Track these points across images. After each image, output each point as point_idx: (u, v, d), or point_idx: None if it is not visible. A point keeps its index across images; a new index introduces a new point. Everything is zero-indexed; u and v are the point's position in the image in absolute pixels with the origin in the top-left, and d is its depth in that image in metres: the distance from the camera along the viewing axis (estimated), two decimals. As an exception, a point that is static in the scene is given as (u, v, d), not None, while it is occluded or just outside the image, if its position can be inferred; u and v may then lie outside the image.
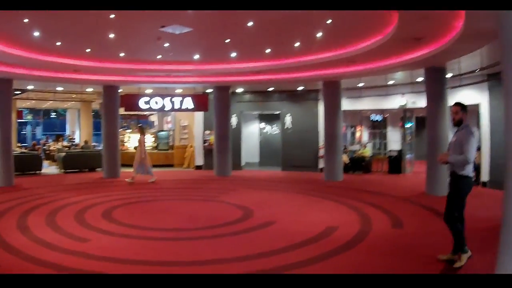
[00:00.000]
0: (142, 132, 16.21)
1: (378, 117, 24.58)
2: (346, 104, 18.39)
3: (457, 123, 6.27)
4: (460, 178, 6.01)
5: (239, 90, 20.10)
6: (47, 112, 41.87)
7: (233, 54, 13.10)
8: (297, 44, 11.72)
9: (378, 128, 24.77)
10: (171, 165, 21.62)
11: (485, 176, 14.43)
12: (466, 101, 15.60)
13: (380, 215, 9.96)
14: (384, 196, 12.68)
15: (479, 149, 15.00)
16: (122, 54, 12.99)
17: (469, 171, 6.05)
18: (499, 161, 11.69)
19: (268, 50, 12.60)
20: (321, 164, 18.42)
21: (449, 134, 12.21)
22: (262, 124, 22.71)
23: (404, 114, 19.25)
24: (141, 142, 15.65)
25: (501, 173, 5.07)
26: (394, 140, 21.97)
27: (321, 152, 18.53)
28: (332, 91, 16.57)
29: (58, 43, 11.25)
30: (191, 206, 11.23)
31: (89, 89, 20.71)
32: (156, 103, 17.77)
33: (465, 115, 6.27)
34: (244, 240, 7.86)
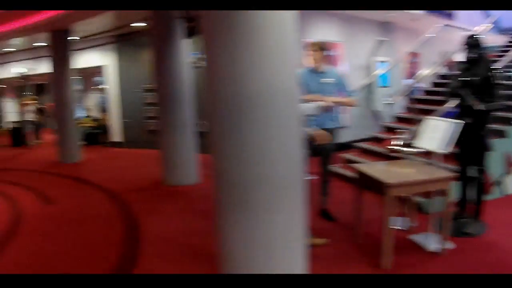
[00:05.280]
0: None
1: None
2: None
3: None
4: None
5: None
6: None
7: None
8: None
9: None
10: None
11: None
12: (93, 63, 15.72)
13: (22, 193, 9.30)
14: (18, 171, 12.25)
15: (105, 110, 16.52)
16: None
17: None
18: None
19: None
20: None
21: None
22: None
23: (23, 82, 19.28)
24: None
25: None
26: (12, 111, 20.44)
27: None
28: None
29: None
30: None
31: None
32: None
33: None
34: None
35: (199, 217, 6.81)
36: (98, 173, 10.96)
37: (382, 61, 11.85)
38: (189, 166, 8.96)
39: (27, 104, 16.80)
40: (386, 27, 12.89)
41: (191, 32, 8.68)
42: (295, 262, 4.00)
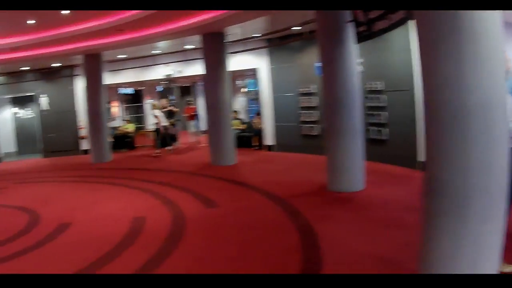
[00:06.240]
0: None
1: (129, 90, 24.18)
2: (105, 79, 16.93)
3: None
4: None
5: (-10, 72, 18.64)
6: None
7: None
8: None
9: (132, 102, 24.75)
10: None
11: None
12: (246, 66, 16.12)
13: (181, 195, 9.62)
14: (171, 173, 12.67)
15: (259, 113, 16.40)
16: None
17: None
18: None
19: (31, 21, 10.98)
20: (84, 146, 18.89)
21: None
22: (16, 108, 21.08)
23: (168, 84, 20.68)
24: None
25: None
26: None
27: (82, 132, 18.86)
28: (94, 65, 16.05)
29: None
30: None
31: None
32: None
33: None
34: (50, 256, 6.43)
35: (375, 226, 6.69)
36: (255, 176, 11.15)
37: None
38: (356, 172, 8.88)
39: (156, 107, 17.12)
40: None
41: (360, 37, 8.50)
42: (492, 270, 4.01)
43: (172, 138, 17.96)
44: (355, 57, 8.84)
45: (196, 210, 8.32)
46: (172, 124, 17.91)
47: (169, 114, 17.69)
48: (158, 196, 9.52)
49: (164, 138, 16.96)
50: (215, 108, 13.19)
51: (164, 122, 16.78)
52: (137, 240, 6.76)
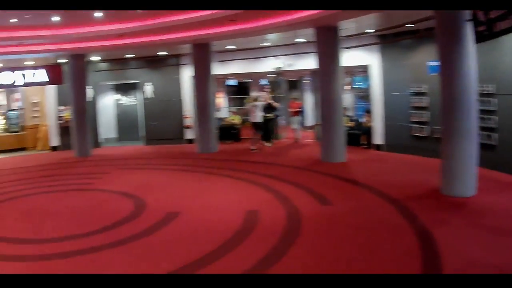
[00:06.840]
0: None
1: (233, 82, 24.20)
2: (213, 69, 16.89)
3: None
4: None
5: (95, 58, 18.99)
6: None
7: (98, 14, 11.54)
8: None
9: (236, 94, 24.96)
10: (23, 149, 19.54)
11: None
12: (357, 62, 15.94)
13: (293, 190, 9.69)
14: (280, 167, 12.74)
15: (369, 111, 16.04)
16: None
17: None
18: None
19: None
20: (188, 135, 19.35)
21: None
22: (118, 95, 21.85)
23: (275, 77, 20.16)
24: None
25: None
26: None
27: (187, 122, 19.23)
28: (203, 54, 16.23)
29: None
30: (65, 201, 9.56)
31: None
32: (6, 78, 16.67)
33: None
34: (160, 245, 6.65)
35: (491, 234, 6.56)
36: (367, 175, 11.08)
37: None
38: (469, 177, 8.66)
39: (252, 100, 17.29)
40: None
41: (479, 37, 8.26)
42: None
43: (271, 133, 18.09)
44: (474, 57, 8.61)
45: (311, 207, 8.39)
46: (271, 119, 17.94)
47: (268, 108, 17.61)
48: (270, 190, 9.72)
49: (263, 132, 17.06)
50: (328, 104, 13.21)
51: (259, 116, 16.68)
52: (251, 235, 6.91)
